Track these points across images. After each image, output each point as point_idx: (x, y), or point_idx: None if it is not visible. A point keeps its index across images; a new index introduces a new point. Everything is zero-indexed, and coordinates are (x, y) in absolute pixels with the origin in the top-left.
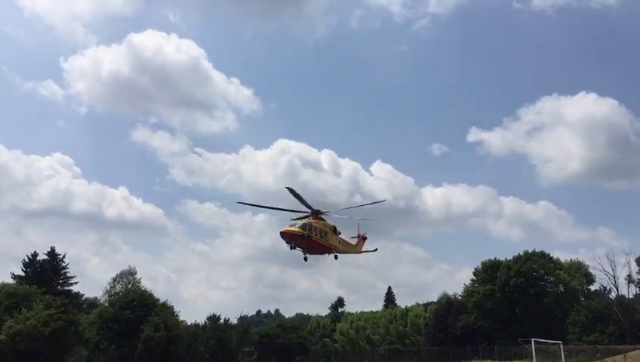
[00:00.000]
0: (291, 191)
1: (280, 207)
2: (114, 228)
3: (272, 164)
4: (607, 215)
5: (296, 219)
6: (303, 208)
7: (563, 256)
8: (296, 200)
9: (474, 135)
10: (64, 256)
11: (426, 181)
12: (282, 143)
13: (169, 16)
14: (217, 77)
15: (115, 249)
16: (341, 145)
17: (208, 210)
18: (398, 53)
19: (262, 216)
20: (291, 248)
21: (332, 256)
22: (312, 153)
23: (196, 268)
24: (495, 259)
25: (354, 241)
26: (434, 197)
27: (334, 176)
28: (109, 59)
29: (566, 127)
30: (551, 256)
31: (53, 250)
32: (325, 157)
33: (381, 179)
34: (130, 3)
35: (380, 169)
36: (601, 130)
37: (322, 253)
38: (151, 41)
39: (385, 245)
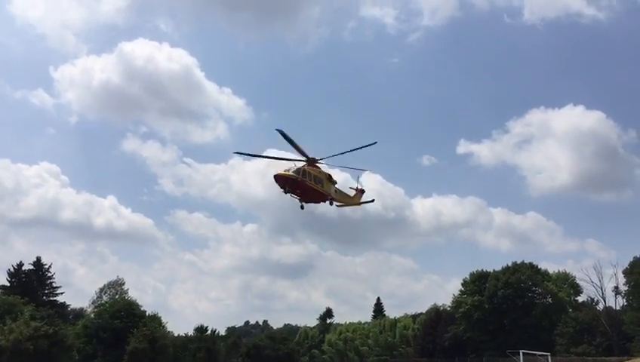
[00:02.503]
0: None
1: (276, 156)
2: (102, 237)
3: (261, 174)
4: (595, 226)
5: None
6: (299, 157)
7: (551, 268)
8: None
9: (463, 147)
10: (50, 266)
11: (416, 192)
12: (272, 154)
13: (160, 25)
14: (209, 87)
15: (103, 259)
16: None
17: (197, 220)
18: (390, 65)
19: (251, 227)
20: (285, 192)
21: (327, 202)
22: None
23: (185, 278)
24: (483, 270)
25: (352, 193)
26: (424, 208)
27: None
28: (100, 69)
29: (554, 140)
30: (539, 267)
31: (38, 259)
32: None
33: (371, 190)
34: (122, 12)
35: (370, 179)
36: (588, 143)
37: (317, 200)
38: (142, 50)
39: (374, 256)
